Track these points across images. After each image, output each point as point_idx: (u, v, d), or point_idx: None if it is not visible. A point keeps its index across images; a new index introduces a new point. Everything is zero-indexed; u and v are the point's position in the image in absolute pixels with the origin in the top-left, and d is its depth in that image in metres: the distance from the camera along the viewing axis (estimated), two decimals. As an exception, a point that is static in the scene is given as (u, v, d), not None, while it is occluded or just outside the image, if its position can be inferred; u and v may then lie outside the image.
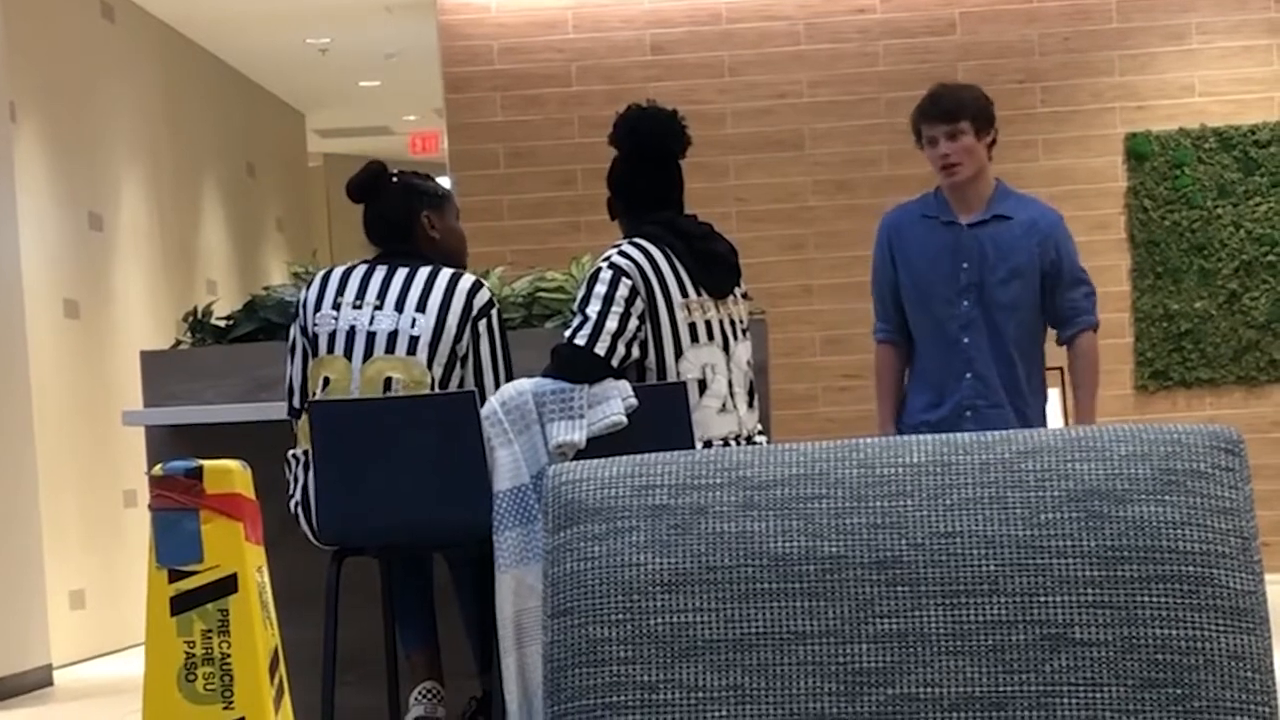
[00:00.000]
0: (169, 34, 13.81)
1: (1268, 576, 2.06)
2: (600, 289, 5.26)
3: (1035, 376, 5.89)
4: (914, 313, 5.88)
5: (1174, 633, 1.95)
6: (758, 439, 5.50)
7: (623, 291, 5.25)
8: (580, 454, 5.09)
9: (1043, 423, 5.91)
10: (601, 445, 5.07)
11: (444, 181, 13.05)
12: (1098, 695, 1.94)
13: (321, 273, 5.60)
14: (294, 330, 5.56)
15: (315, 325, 5.46)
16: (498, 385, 5.40)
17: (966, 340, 5.76)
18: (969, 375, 5.76)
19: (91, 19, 12.16)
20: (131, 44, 12.90)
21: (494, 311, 5.46)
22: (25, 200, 10.57)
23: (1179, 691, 1.94)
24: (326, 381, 5.37)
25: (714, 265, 5.44)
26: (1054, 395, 11.14)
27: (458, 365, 5.40)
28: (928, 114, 5.82)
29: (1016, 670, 1.95)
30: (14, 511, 9.72)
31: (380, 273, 5.49)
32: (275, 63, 15.75)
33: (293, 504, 5.43)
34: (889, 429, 5.98)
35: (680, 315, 5.33)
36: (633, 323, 5.25)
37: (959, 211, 5.81)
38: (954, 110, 5.78)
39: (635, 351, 5.26)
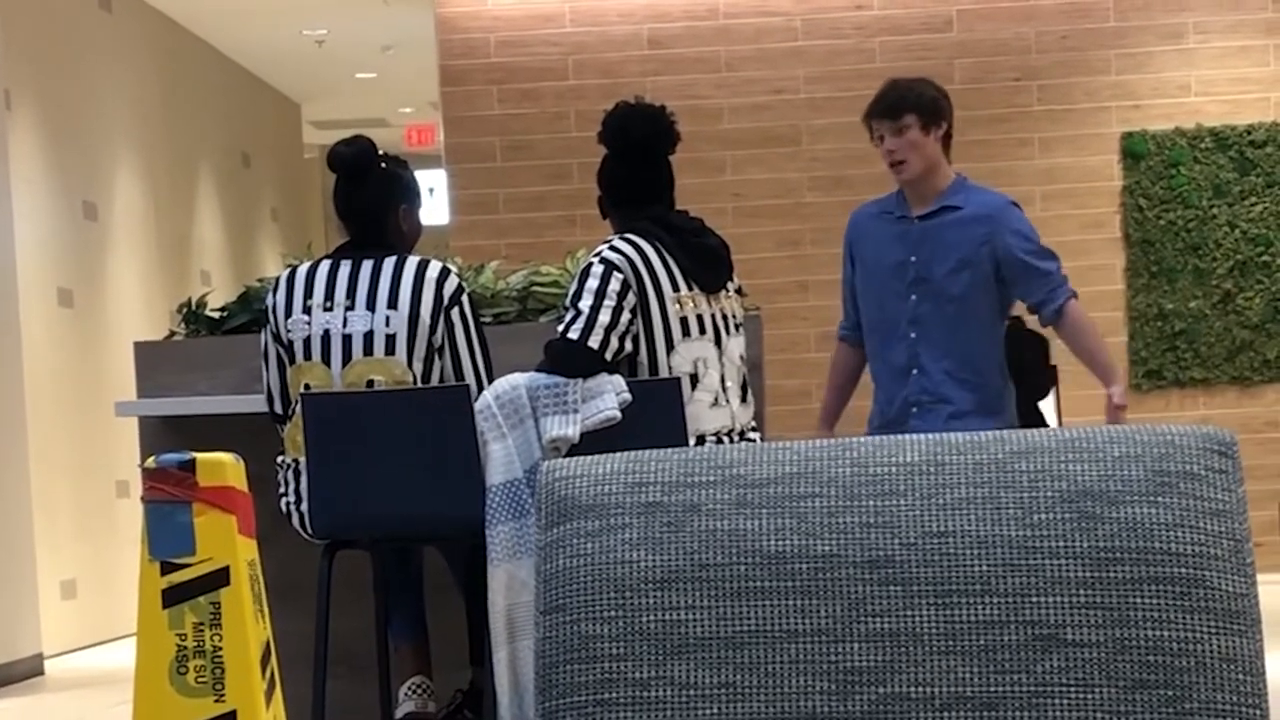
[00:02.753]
0: (165, 24, 13.80)
1: (1260, 578, 2.06)
2: (592, 283, 5.26)
3: (993, 367, 5.77)
4: (868, 310, 5.84)
5: (1166, 634, 1.95)
6: (750, 434, 5.50)
7: (614, 286, 5.25)
8: (574, 449, 5.09)
9: (1008, 411, 5.82)
10: (595, 440, 5.06)
11: (440, 174, 13.06)
12: (1089, 696, 1.94)
13: (285, 274, 5.50)
14: (265, 336, 5.50)
15: (289, 331, 5.40)
16: (477, 372, 5.39)
17: (914, 335, 5.72)
18: (915, 371, 5.72)
19: (88, 8, 12.15)
20: (128, 34, 12.89)
21: (465, 297, 5.42)
22: (20, 189, 10.56)
23: (1170, 693, 1.94)
24: (308, 388, 5.34)
25: (705, 260, 5.44)
26: (1048, 398, 11.15)
27: (436, 357, 5.38)
28: (873, 111, 5.80)
29: (1008, 670, 1.95)
30: (5, 501, 9.71)
31: (346, 268, 5.42)
32: (272, 54, 15.74)
33: (284, 503, 5.43)
34: (823, 428, 5.98)
35: (672, 309, 5.33)
36: (625, 316, 5.25)
37: (914, 206, 5.78)
38: (897, 106, 5.73)
39: (628, 346, 5.26)
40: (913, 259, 5.72)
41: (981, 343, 5.73)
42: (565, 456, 3.90)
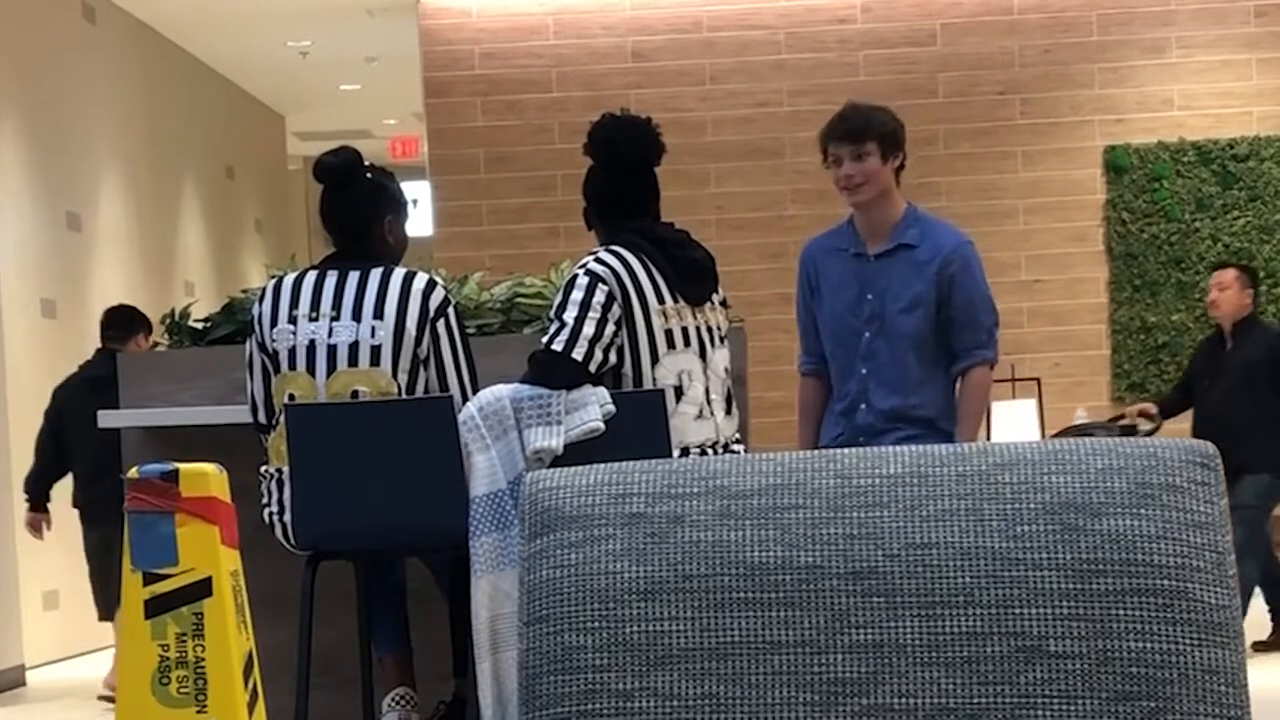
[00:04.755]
0: (150, 35, 13.79)
1: (1242, 591, 2.06)
2: (577, 295, 5.26)
3: (941, 404, 5.72)
4: (829, 346, 5.81)
5: (1148, 646, 1.95)
6: (735, 447, 5.50)
7: (599, 298, 5.25)
8: (557, 460, 5.09)
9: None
10: (579, 452, 5.06)
11: (423, 186, 13.05)
12: (1072, 708, 1.95)
13: (271, 284, 5.49)
14: (250, 346, 5.49)
15: (274, 341, 5.40)
16: (462, 384, 5.39)
17: (865, 371, 5.70)
18: (863, 406, 5.70)
19: (72, 19, 12.14)
20: (112, 45, 12.88)
21: (451, 309, 5.42)
22: (3, 199, 10.55)
23: (1153, 705, 1.94)
24: (292, 398, 5.33)
25: (690, 272, 5.44)
26: (1030, 406, 11.17)
27: (421, 369, 5.38)
28: (834, 133, 5.73)
29: (991, 682, 1.96)
30: (-12, 512, 9.69)
31: (332, 279, 5.42)
32: (256, 65, 15.73)
33: (267, 513, 5.42)
34: None
35: (657, 322, 5.33)
36: (609, 328, 5.25)
37: (867, 242, 5.73)
38: (860, 130, 5.68)
39: (612, 357, 5.26)
40: (869, 297, 5.70)
41: (928, 377, 5.69)
42: (549, 468, 3.90)
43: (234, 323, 6.31)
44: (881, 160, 5.66)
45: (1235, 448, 7.91)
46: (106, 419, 6.16)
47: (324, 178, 5.52)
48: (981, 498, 2.02)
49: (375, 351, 5.32)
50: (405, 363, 5.34)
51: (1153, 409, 9.25)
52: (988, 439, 5.89)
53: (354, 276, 5.39)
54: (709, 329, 5.46)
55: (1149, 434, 8.92)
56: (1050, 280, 12.01)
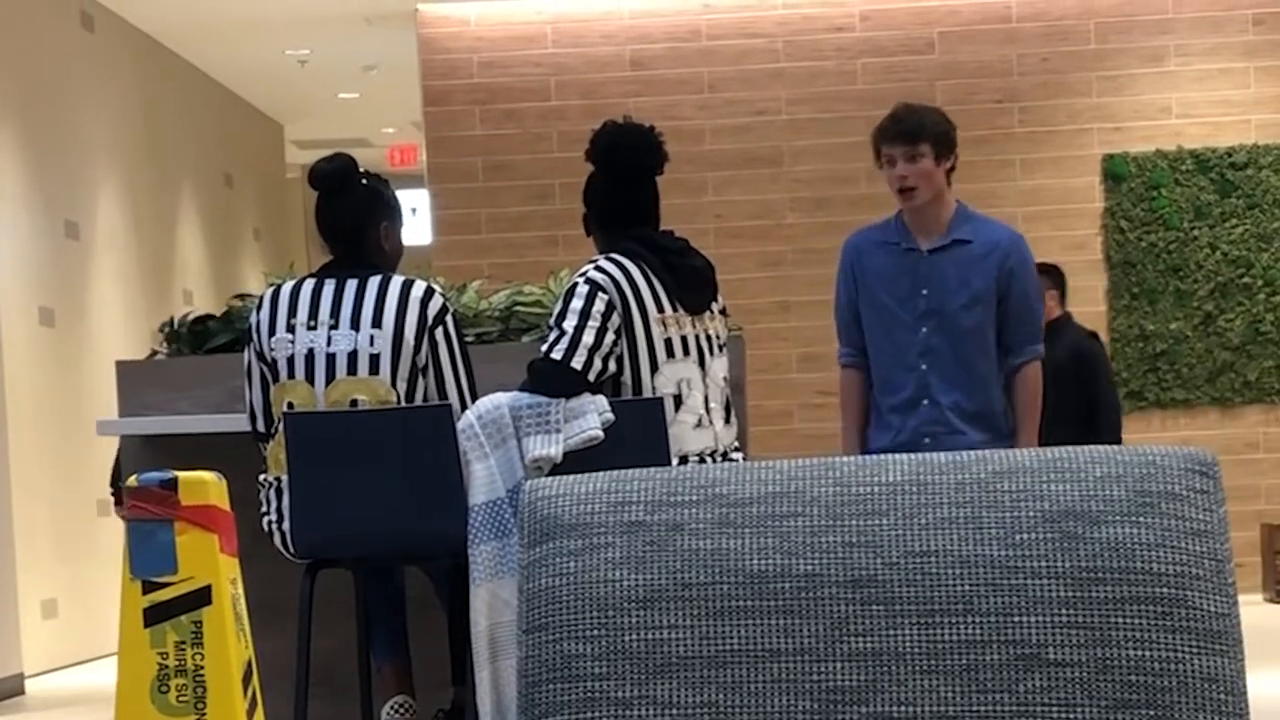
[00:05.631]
0: (148, 43, 13.79)
1: (1241, 598, 2.06)
2: (576, 304, 5.26)
3: (998, 395, 5.81)
4: (874, 339, 5.83)
5: (1148, 654, 1.95)
6: (734, 455, 5.50)
7: (599, 306, 5.25)
8: (556, 469, 5.09)
9: (1011, 442, 5.86)
10: (577, 460, 5.06)
11: (422, 194, 13.05)
12: (1071, 716, 1.95)
13: (269, 292, 5.49)
14: (248, 354, 5.49)
15: (272, 350, 5.40)
16: (460, 392, 5.39)
17: (925, 367, 5.72)
18: (925, 402, 5.73)
19: (70, 27, 12.15)
20: (110, 53, 12.89)
21: (449, 317, 5.42)
22: (1, 208, 10.55)
23: (1152, 713, 1.94)
24: (290, 407, 5.33)
25: (690, 281, 5.44)
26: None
27: (420, 377, 5.38)
28: (888, 134, 5.76)
29: (990, 690, 1.96)
30: (-13, 520, 9.69)
31: (330, 287, 5.42)
32: (254, 73, 15.74)
33: (266, 521, 5.42)
34: (856, 454, 5.93)
35: (656, 330, 5.33)
36: (609, 337, 5.25)
37: (919, 237, 5.76)
38: (915, 132, 5.71)
39: (611, 366, 5.26)
40: (924, 292, 5.72)
41: (989, 374, 5.75)
42: (548, 476, 3.90)
43: (232, 331, 6.31)
44: (935, 161, 5.69)
45: (1044, 442, 7.91)
46: (105, 427, 6.16)
47: (319, 184, 5.52)
48: (981, 505, 2.02)
49: (374, 360, 5.32)
50: (404, 371, 5.34)
51: None
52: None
53: (352, 285, 5.39)
54: (708, 337, 5.46)
55: None
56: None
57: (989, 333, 5.74)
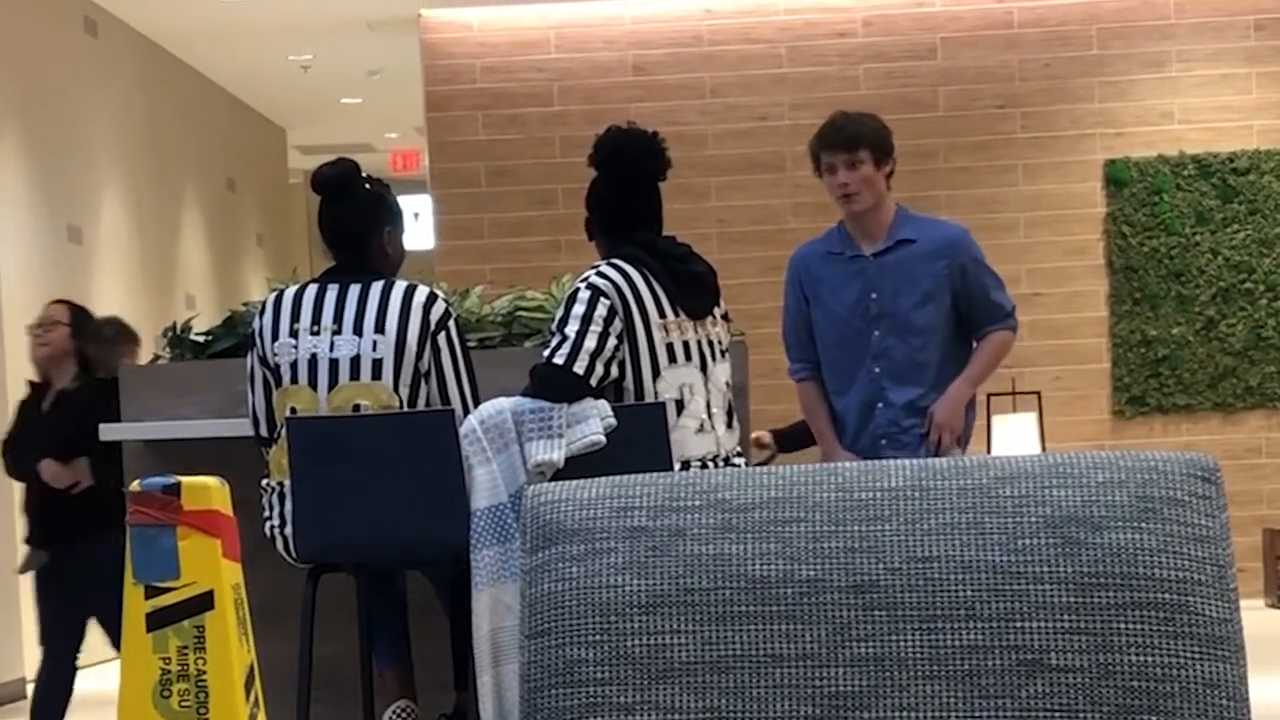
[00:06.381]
0: (151, 48, 13.80)
1: (1243, 604, 2.06)
2: (578, 309, 5.26)
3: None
4: (827, 349, 5.88)
5: (1150, 659, 1.96)
6: (736, 460, 5.50)
7: (601, 311, 5.25)
8: (558, 473, 5.09)
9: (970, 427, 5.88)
10: (580, 465, 5.06)
11: (424, 199, 13.05)
12: (1073, 721, 1.95)
13: (271, 297, 5.49)
14: (251, 359, 5.49)
15: (275, 355, 5.40)
16: (463, 397, 5.39)
17: (878, 370, 5.76)
18: (880, 405, 5.77)
19: (74, 32, 12.15)
20: (113, 58, 12.89)
21: (451, 322, 5.42)
22: (4, 212, 10.55)
23: (1155, 718, 1.94)
24: (293, 412, 5.33)
25: (692, 286, 5.44)
26: (1031, 419, 11.17)
27: (422, 382, 5.38)
28: (827, 142, 5.80)
29: (992, 695, 1.96)
30: (-11, 525, 9.68)
31: (333, 292, 5.42)
32: (257, 78, 15.74)
33: (268, 526, 5.42)
34: (836, 448, 5.94)
35: (658, 336, 5.33)
36: (611, 342, 5.25)
37: (862, 243, 5.81)
38: (854, 139, 5.75)
39: (614, 371, 5.26)
40: (874, 295, 5.76)
41: (944, 369, 5.78)
42: (550, 481, 3.89)
43: (235, 336, 6.31)
44: (875, 167, 5.74)
45: None
46: (109, 432, 6.17)
47: (321, 189, 5.52)
48: (982, 511, 2.02)
49: (376, 365, 5.33)
50: (406, 376, 5.34)
51: (767, 437, 7.69)
52: (987, 453, 5.93)
53: (354, 290, 5.40)
54: (710, 343, 5.46)
55: (761, 464, 7.63)
56: (1050, 294, 12.01)
57: (943, 329, 5.76)
